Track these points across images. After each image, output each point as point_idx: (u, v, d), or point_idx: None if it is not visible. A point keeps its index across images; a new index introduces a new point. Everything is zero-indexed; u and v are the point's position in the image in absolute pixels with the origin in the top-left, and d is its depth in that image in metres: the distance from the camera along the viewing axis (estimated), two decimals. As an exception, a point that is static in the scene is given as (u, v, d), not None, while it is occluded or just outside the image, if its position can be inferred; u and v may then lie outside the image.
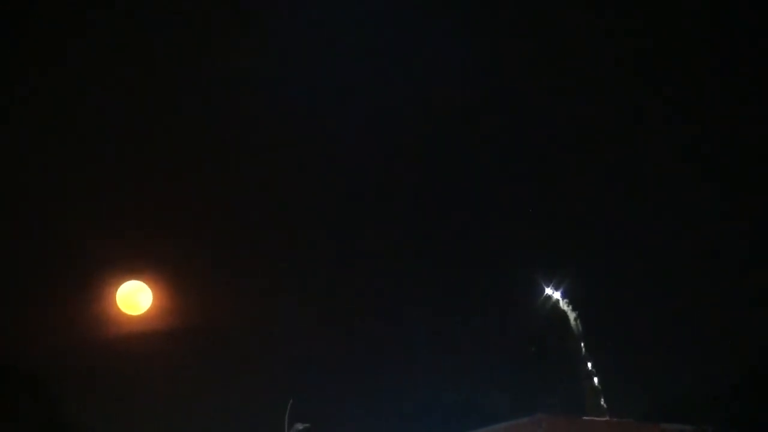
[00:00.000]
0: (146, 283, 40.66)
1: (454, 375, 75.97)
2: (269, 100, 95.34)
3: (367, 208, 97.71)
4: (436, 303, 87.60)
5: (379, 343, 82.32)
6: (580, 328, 79.28)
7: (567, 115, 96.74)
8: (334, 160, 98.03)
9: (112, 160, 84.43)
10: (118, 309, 40.09)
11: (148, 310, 40.66)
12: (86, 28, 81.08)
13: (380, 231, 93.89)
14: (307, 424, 52.76)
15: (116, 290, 40.11)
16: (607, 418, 70.06)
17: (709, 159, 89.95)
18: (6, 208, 68.93)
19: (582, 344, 79.24)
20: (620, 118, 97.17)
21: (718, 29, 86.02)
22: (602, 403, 76.36)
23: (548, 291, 79.71)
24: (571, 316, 79.49)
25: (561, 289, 79.71)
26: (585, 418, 67.83)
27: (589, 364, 79.09)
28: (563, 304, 79.60)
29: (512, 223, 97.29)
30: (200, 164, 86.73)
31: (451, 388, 73.34)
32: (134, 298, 40.36)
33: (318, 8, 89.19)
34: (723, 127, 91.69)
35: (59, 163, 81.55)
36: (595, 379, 78.80)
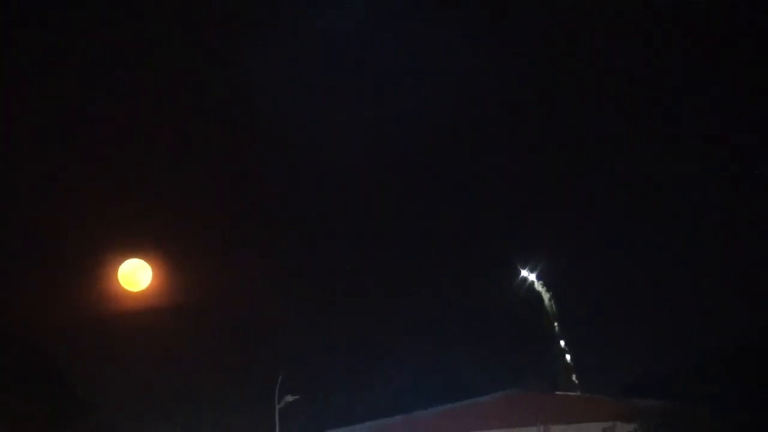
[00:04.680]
0: (146, 261, 40.79)
1: (438, 353, 76.53)
2: (274, 88, 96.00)
3: (356, 197, 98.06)
4: (422, 286, 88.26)
5: (369, 323, 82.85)
6: (554, 309, 79.74)
7: (547, 105, 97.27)
8: (332, 150, 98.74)
9: (115, 143, 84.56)
10: (120, 286, 40.18)
11: (148, 287, 40.76)
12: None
13: (372, 218, 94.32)
14: (296, 396, 53.13)
15: (118, 268, 40.19)
16: (578, 393, 70.71)
17: (678, 140, 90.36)
18: (11, 191, 68.98)
19: (556, 324, 79.76)
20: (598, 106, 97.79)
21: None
22: (574, 379, 76.48)
23: (524, 273, 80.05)
24: (546, 296, 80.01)
25: (536, 272, 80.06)
26: (558, 393, 68.62)
27: (562, 343, 79.66)
28: (538, 286, 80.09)
29: (492, 213, 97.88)
30: (199, 150, 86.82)
31: (436, 365, 73.49)
32: (135, 275, 40.51)
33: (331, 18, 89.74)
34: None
35: (63, 147, 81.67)
36: (568, 357, 78.89)
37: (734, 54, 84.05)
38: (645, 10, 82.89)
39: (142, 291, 40.60)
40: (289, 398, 52.80)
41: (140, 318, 44.45)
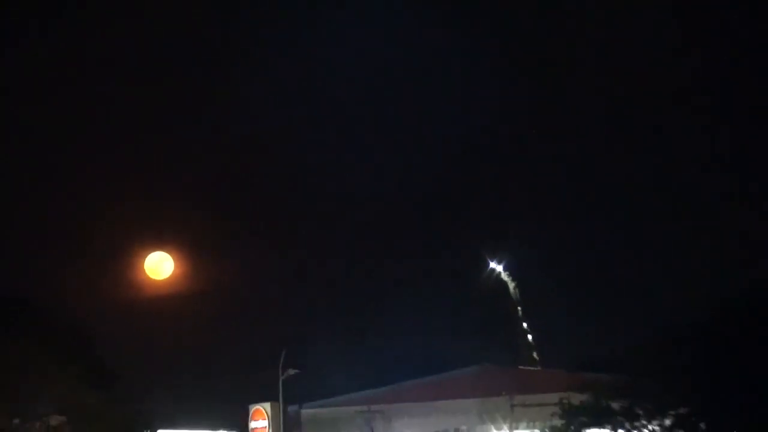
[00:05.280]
0: (169, 253, 40.92)
1: (420, 333, 76.80)
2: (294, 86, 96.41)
3: (352, 203, 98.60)
4: (409, 279, 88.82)
5: (360, 310, 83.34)
6: (518, 295, 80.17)
7: (515, 99, 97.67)
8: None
9: (146, 156, 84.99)
10: (146, 275, 40.33)
11: (170, 276, 40.91)
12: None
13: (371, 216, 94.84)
14: (296, 369, 53.58)
15: (144, 259, 40.37)
16: (538, 368, 71.56)
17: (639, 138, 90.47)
18: (62, 200, 69.79)
19: (519, 308, 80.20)
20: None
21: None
22: (535, 356, 76.93)
23: (492, 266, 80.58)
24: (511, 285, 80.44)
25: (502, 264, 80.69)
26: (521, 367, 69.55)
27: (525, 324, 79.94)
28: (504, 276, 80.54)
29: (468, 217, 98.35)
30: (215, 160, 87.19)
31: (418, 344, 73.67)
32: (159, 265, 40.64)
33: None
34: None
35: (105, 159, 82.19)
36: (530, 336, 79.29)
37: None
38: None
39: (165, 279, 40.78)
40: (291, 371, 53.29)
41: (163, 302, 44.64)
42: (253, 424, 54.18)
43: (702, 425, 44.90)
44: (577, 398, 48.25)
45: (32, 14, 79.17)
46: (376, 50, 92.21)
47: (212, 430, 54.93)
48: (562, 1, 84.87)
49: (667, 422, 45.55)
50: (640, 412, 46.17)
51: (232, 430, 55.49)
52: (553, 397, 49.83)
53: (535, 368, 71.86)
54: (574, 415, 47.83)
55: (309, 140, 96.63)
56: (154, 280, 40.87)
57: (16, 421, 40.88)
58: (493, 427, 55.64)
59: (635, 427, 46.41)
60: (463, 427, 54.43)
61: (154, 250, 40.82)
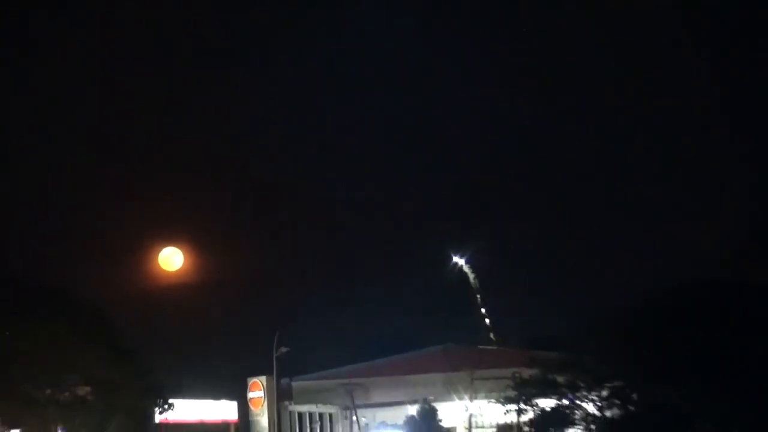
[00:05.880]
0: (179, 248, 41.04)
1: (393, 317, 77.43)
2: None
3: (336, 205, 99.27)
4: (385, 270, 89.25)
5: (342, 298, 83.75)
6: (477, 285, 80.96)
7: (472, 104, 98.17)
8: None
9: (160, 164, 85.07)
10: (159, 267, 40.45)
11: (181, 267, 41.03)
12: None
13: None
14: (288, 348, 53.79)
15: (158, 254, 40.47)
16: (495, 347, 72.29)
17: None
18: (82, 200, 69.95)
19: (478, 296, 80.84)
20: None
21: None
22: (492, 336, 77.98)
23: (456, 259, 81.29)
24: (471, 276, 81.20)
25: (464, 258, 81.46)
26: (480, 347, 69.67)
27: (483, 310, 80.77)
28: (466, 268, 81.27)
29: (436, 218, 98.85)
30: (218, 165, 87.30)
31: (391, 326, 74.18)
32: (171, 258, 40.78)
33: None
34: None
35: (121, 159, 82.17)
36: (487, 320, 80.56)
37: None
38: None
39: (176, 270, 40.92)
40: (283, 349, 53.60)
41: (173, 290, 44.69)
42: (250, 395, 54.43)
43: (634, 396, 44.55)
44: (527, 373, 47.96)
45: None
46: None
47: (215, 399, 54.86)
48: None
49: (604, 393, 45.05)
50: (582, 384, 45.52)
51: (232, 399, 55.38)
52: (507, 372, 49.75)
53: (492, 347, 72.36)
54: (525, 387, 47.38)
55: (296, 145, 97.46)
56: (167, 272, 40.93)
57: (48, 391, 40.51)
58: (456, 398, 55.42)
59: (577, 398, 45.82)
60: (430, 397, 53.77)
61: (167, 246, 40.74)
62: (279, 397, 54.77)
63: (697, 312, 41.17)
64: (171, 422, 48.45)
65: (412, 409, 53.62)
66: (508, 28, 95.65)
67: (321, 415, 59.16)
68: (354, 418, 58.90)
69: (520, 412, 48.11)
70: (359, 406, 59.06)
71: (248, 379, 54.88)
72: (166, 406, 46.65)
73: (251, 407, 54.62)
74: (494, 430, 50.23)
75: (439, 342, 67.10)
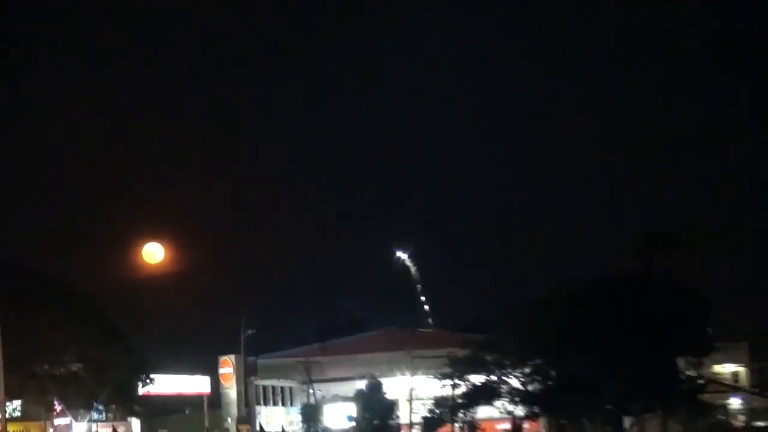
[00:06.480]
0: (161, 243, 40.40)
1: (344, 304, 78.33)
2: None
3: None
4: (339, 263, 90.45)
5: (301, 283, 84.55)
6: (418, 276, 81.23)
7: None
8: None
9: (150, 169, 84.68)
10: (143, 259, 39.79)
11: (162, 260, 40.18)
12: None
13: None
14: (253, 330, 54.02)
15: (142, 248, 39.77)
16: (432, 330, 72.44)
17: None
18: (79, 203, 69.45)
19: (418, 285, 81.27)
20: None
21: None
22: (430, 321, 78.35)
23: (399, 254, 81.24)
24: (413, 269, 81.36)
25: (407, 253, 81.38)
26: (419, 329, 69.99)
27: (423, 298, 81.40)
28: (408, 262, 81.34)
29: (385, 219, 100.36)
30: (202, 163, 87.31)
31: (342, 311, 74.92)
32: (153, 253, 39.99)
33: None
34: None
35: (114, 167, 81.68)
36: (426, 307, 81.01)
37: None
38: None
39: (158, 263, 40.13)
40: (249, 332, 53.82)
41: (156, 280, 43.93)
42: (221, 371, 54.45)
43: (552, 372, 45.20)
44: (460, 353, 48.12)
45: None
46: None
47: (191, 374, 54.59)
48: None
49: (527, 370, 45.81)
50: (507, 362, 46.35)
51: (205, 375, 55.20)
52: (443, 352, 49.78)
53: (430, 330, 72.55)
54: (458, 365, 47.58)
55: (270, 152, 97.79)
56: (150, 264, 40.04)
57: (46, 366, 40.78)
58: (398, 374, 55.59)
59: (503, 374, 46.49)
60: (376, 373, 53.59)
61: (150, 241, 40.03)
62: (246, 373, 54.67)
63: (600, 299, 41.96)
64: (152, 394, 48.32)
65: (361, 384, 53.53)
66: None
67: (282, 389, 59.24)
68: (311, 391, 58.93)
69: (454, 386, 48.02)
70: (315, 381, 59.10)
71: (219, 357, 54.75)
72: (148, 381, 46.63)
73: (222, 381, 54.52)
74: (432, 402, 49.41)
75: (384, 326, 68.13)
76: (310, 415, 55.43)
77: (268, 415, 55.12)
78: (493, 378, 46.82)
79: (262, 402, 56.24)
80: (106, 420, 45.38)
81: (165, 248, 39.86)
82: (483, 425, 48.04)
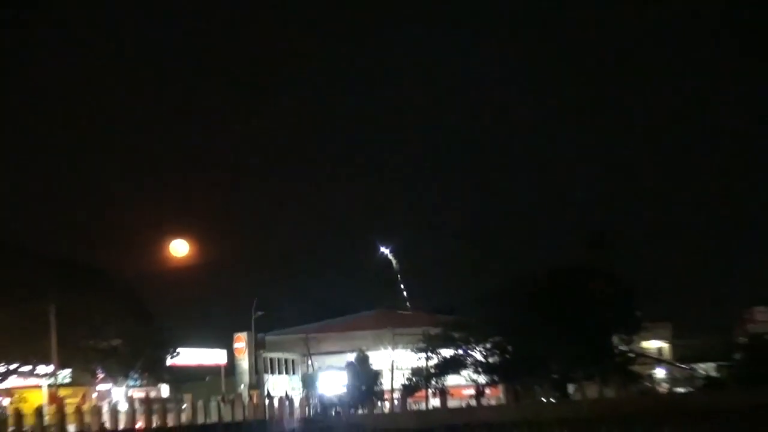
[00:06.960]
0: (185, 240, 41.00)
1: (339, 293, 79.91)
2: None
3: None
4: (333, 258, 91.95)
5: (304, 274, 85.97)
6: (398, 268, 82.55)
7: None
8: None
9: (177, 176, 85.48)
10: (170, 253, 40.44)
11: (186, 254, 40.61)
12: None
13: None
14: (263, 312, 54.10)
15: (169, 243, 40.36)
16: (410, 312, 73.27)
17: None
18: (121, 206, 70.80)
19: (399, 276, 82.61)
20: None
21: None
22: (408, 305, 79.05)
23: (382, 249, 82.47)
24: (394, 262, 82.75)
25: (389, 249, 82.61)
26: (400, 311, 72.02)
27: (402, 286, 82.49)
28: (390, 256, 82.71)
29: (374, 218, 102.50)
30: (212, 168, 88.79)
31: (338, 298, 75.68)
32: (179, 248, 40.40)
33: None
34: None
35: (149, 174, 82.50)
36: (405, 292, 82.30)
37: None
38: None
39: (183, 256, 40.56)
40: (259, 313, 54.12)
41: (181, 271, 44.13)
42: (235, 345, 54.75)
43: (509, 347, 46.22)
44: (433, 331, 48.62)
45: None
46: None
47: (210, 348, 55.61)
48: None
49: (488, 345, 46.89)
50: (472, 339, 47.14)
51: (222, 348, 55.84)
52: (419, 330, 50.41)
53: (408, 312, 73.36)
54: (431, 341, 48.14)
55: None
56: (176, 257, 40.45)
57: (91, 341, 42.31)
58: (382, 348, 56.27)
59: (469, 349, 47.32)
60: (364, 348, 53.64)
61: (176, 238, 40.33)
62: (256, 347, 54.62)
63: (552, 288, 44.18)
64: (178, 365, 49.74)
65: (351, 357, 53.65)
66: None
67: (286, 360, 59.68)
68: (309, 362, 59.91)
69: (428, 359, 48.54)
70: (313, 354, 60.08)
71: (234, 333, 55.06)
72: (175, 354, 48.29)
73: (236, 354, 54.93)
74: (409, 371, 49.37)
75: (371, 308, 69.98)
76: (309, 382, 56.13)
77: (274, 382, 55.24)
78: (460, 352, 47.64)
79: (269, 371, 56.58)
80: (140, 386, 46.11)
81: (189, 244, 41.17)
82: (452, 391, 48.20)
